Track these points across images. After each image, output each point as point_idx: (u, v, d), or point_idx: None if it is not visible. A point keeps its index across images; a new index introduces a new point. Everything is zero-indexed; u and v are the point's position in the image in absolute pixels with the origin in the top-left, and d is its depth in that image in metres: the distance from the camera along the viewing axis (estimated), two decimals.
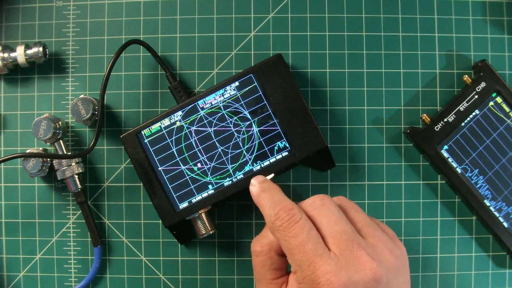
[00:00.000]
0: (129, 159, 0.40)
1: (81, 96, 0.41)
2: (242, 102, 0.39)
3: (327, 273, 0.30)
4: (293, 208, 0.33)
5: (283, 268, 0.35)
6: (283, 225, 0.32)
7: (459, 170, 0.41)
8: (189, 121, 0.39)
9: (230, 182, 0.39)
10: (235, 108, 0.39)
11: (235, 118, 0.39)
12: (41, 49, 0.41)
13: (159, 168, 0.39)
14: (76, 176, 0.41)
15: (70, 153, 0.41)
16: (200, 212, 0.39)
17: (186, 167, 0.39)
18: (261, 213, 0.35)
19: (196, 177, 0.39)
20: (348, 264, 0.31)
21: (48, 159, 0.41)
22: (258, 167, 0.39)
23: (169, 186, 0.39)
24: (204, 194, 0.39)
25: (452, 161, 0.41)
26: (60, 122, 0.41)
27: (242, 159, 0.39)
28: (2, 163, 0.43)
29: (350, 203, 0.36)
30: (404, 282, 0.34)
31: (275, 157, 0.39)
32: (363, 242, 0.32)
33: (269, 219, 0.33)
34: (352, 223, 0.34)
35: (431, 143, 0.41)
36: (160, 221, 0.41)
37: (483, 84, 0.40)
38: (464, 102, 0.40)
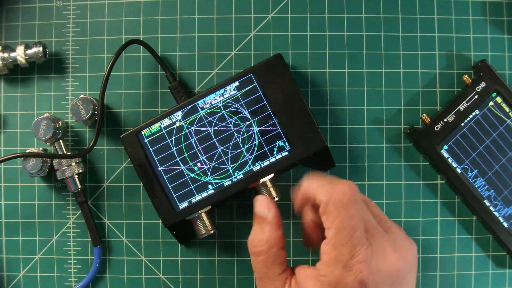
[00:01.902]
0: (129, 159, 0.40)
1: (81, 96, 0.41)
2: (242, 102, 0.39)
3: (363, 261, 0.30)
4: (354, 186, 0.32)
5: (285, 261, 0.35)
6: (344, 200, 0.31)
7: (459, 170, 0.41)
8: (189, 121, 0.39)
9: (230, 182, 0.39)
10: (235, 108, 0.39)
11: (235, 118, 0.39)
12: (41, 49, 0.41)
13: (159, 168, 0.39)
14: (76, 176, 0.41)
15: (70, 153, 0.41)
16: (200, 212, 0.39)
17: (186, 167, 0.39)
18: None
19: (196, 177, 0.39)
20: (378, 254, 0.31)
21: (48, 159, 0.41)
22: (258, 167, 0.39)
23: (169, 186, 0.39)
24: (204, 194, 0.39)
25: (452, 161, 0.41)
26: (60, 122, 0.41)
27: (242, 159, 0.39)
28: (2, 163, 0.43)
29: (367, 198, 0.37)
30: (413, 280, 0.34)
31: (275, 157, 0.39)
32: (385, 235, 0.33)
33: (328, 192, 0.32)
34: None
35: (431, 143, 0.41)
36: (160, 221, 0.41)
37: (483, 84, 0.40)
38: (464, 102, 0.40)
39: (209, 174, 0.39)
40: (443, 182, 0.42)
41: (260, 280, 0.35)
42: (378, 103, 0.42)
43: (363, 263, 0.30)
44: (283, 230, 0.35)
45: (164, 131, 0.39)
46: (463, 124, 0.41)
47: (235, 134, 0.39)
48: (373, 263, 0.31)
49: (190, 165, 0.39)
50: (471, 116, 0.41)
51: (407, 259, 0.33)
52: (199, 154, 0.39)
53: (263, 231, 0.35)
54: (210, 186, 0.39)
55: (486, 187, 0.41)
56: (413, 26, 0.43)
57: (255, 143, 0.39)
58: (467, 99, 0.40)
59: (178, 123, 0.39)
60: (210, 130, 0.39)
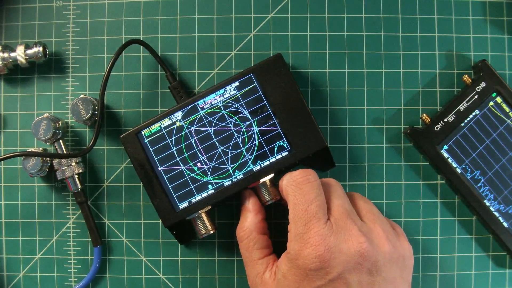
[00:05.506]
0: (129, 159, 0.40)
1: (81, 96, 0.41)
2: (242, 102, 0.39)
3: (318, 235, 0.32)
4: (311, 171, 0.35)
5: (267, 246, 0.37)
6: (298, 180, 0.34)
7: (459, 170, 0.41)
8: (189, 121, 0.39)
9: (230, 182, 0.39)
10: (235, 108, 0.39)
11: (235, 118, 0.39)
12: (41, 49, 0.41)
13: (159, 168, 0.39)
14: (76, 176, 0.41)
15: (70, 153, 0.41)
16: (200, 212, 0.39)
17: (186, 167, 0.39)
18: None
19: (196, 177, 0.39)
20: (339, 232, 0.33)
21: (48, 159, 0.41)
22: (258, 167, 0.39)
23: (169, 186, 0.39)
24: (204, 194, 0.39)
25: (452, 161, 0.41)
26: (60, 122, 0.41)
27: (242, 159, 0.39)
28: (2, 163, 0.43)
29: (362, 196, 0.38)
30: (402, 276, 0.34)
31: (275, 157, 0.39)
32: (359, 221, 0.34)
33: (287, 177, 0.35)
34: (357, 210, 0.36)
35: (431, 143, 0.41)
36: (160, 221, 0.41)
37: (483, 84, 0.40)
38: (464, 102, 0.40)
39: (209, 174, 0.39)
40: (443, 182, 0.42)
41: (245, 266, 0.37)
42: (378, 103, 0.42)
43: (318, 237, 0.32)
44: (264, 218, 0.38)
45: (164, 131, 0.39)
46: (463, 124, 0.41)
47: (235, 134, 0.39)
48: (332, 240, 0.32)
49: (190, 165, 0.39)
50: (471, 116, 0.41)
51: (384, 249, 0.33)
52: (199, 154, 0.39)
53: (246, 218, 0.38)
54: (210, 186, 0.39)
55: (486, 187, 0.41)
56: (413, 26, 0.43)
57: (255, 143, 0.39)
58: (467, 99, 0.40)
59: (178, 123, 0.39)
60: (210, 130, 0.39)
